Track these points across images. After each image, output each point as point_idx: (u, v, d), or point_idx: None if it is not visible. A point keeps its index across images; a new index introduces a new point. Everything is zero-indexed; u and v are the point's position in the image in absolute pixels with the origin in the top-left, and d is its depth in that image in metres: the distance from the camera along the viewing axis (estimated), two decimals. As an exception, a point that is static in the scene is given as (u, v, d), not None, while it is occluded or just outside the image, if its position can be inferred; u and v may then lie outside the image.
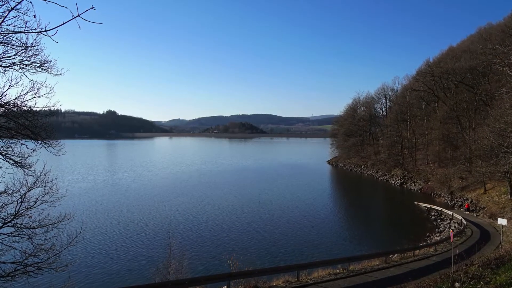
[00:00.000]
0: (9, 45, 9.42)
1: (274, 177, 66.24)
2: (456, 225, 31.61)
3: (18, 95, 9.92)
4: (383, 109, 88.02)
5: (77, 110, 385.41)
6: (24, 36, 9.09)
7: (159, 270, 15.03)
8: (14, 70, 9.95)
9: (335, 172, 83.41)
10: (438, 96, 60.61)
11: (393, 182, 61.40)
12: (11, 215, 9.40)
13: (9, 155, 9.82)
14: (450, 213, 35.26)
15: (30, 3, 6.70)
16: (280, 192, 50.05)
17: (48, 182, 10.14)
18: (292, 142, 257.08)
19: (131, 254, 23.01)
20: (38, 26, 7.32)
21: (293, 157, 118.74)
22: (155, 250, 23.33)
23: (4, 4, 7.73)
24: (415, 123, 68.84)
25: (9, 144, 9.88)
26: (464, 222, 30.16)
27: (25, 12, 7.68)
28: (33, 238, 9.64)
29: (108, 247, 24.50)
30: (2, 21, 7.63)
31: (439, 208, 38.05)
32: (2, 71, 9.54)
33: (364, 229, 33.43)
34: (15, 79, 9.81)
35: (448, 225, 32.85)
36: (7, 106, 9.66)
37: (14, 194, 9.59)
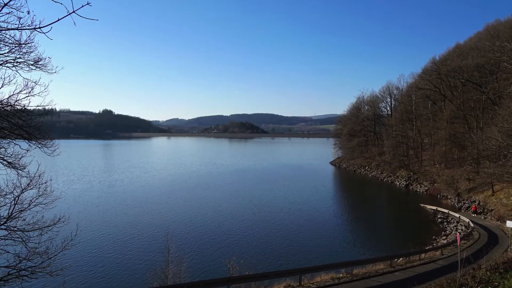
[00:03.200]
0: (2, 42, 9.41)
1: (276, 178, 66.20)
2: (463, 228, 31.56)
3: (12, 93, 9.91)
4: (388, 108, 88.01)
5: (72, 109, 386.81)
6: (17, 33, 9.06)
7: (157, 274, 15.02)
8: (7, 68, 9.94)
9: (338, 173, 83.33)
10: (445, 95, 60.55)
11: (398, 183, 61.34)
12: (4, 218, 9.40)
13: (2, 156, 9.82)
14: (457, 215, 35.20)
15: (24, -1, 6.68)
16: (282, 194, 50.03)
17: (42, 184, 10.14)
18: (294, 142, 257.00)
19: (128, 257, 22.97)
20: (32, 23, 7.31)
21: (295, 158, 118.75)
22: (153, 253, 23.31)
23: (-4, 0, 7.72)
24: (421, 123, 68.78)
25: (2, 145, 9.88)
26: (472, 224, 30.11)
27: (19, 8, 7.66)
28: (27, 241, 9.65)
29: (104, 251, 24.50)
30: (-5, 18, 7.63)
31: (446, 211, 37.99)
32: (-5, 69, 9.53)
33: (368, 232, 33.38)
34: (8, 77, 9.78)
35: (455, 227, 32.79)
36: (0, 105, 9.66)
37: (7, 196, 9.59)
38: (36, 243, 9.80)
